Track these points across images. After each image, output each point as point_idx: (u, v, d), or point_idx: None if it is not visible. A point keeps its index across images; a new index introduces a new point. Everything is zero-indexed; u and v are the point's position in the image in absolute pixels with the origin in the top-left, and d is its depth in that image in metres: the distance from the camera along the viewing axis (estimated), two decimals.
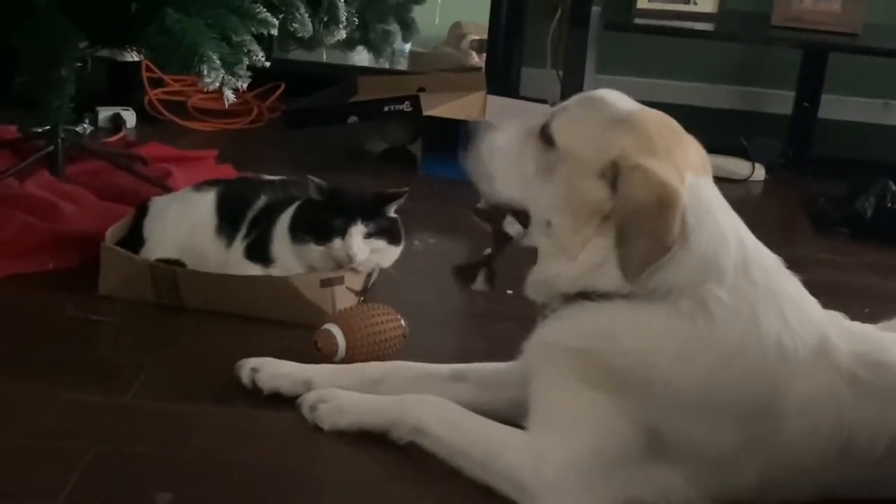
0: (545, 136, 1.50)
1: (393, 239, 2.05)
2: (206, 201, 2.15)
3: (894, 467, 1.51)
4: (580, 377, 1.45)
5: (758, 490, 1.49)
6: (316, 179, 2.03)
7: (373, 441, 1.59)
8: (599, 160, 1.44)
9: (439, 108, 3.12)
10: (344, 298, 2.01)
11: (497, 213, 1.55)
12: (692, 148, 1.53)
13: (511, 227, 1.53)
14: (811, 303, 1.54)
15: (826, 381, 1.48)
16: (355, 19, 2.52)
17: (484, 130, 1.55)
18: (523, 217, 1.54)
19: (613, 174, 1.43)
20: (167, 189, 2.43)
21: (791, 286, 1.53)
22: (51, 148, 2.55)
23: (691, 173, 1.48)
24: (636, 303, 1.44)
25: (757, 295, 1.46)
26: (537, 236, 1.52)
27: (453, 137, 3.02)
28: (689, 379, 1.43)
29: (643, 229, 1.41)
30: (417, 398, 1.60)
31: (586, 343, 1.46)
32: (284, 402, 1.69)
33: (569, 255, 1.47)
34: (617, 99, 1.52)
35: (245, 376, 1.72)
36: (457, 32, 4.22)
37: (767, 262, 1.52)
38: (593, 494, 1.45)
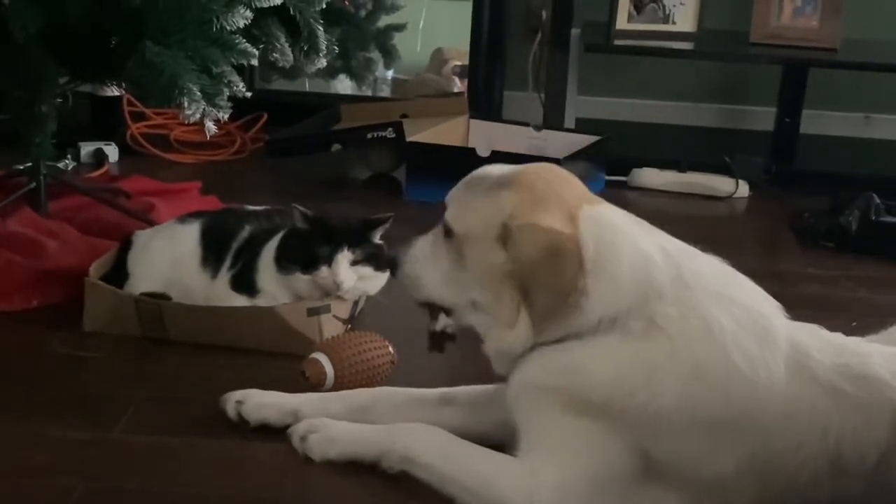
0: (446, 232, 1.57)
1: (379, 265, 2.04)
2: (191, 233, 2.14)
3: (886, 481, 1.50)
4: (564, 409, 1.46)
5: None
6: (300, 208, 2.02)
7: (364, 471, 1.58)
8: (492, 229, 1.50)
9: (423, 133, 3.13)
10: (331, 327, 2.01)
11: (432, 312, 1.66)
12: (581, 187, 1.58)
13: (441, 322, 1.66)
14: (758, 298, 1.54)
15: (803, 386, 1.47)
16: (336, 48, 2.52)
17: (403, 250, 1.64)
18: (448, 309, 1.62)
19: (506, 237, 1.48)
20: (151, 223, 2.42)
21: (733, 285, 1.54)
22: (33, 184, 2.54)
23: (588, 206, 1.52)
24: (590, 338, 1.46)
25: (701, 302, 1.47)
26: (469, 317, 1.58)
27: (437, 163, 3.03)
28: (666, 399, 1.43)
29: (539, 282, 1.46)
30: (407, 427, 1.59)
31: (559, 380, 1.47)
32: (273, 432, 1.68)
33: (508, 324, 1.51)
34: (497, 168, 1.58)
35: (230, 409, 1.71)
36: (438, 58, 4.23)
37: (703, 267, 1.53)
38: None
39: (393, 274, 1.67)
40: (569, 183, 1.56)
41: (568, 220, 1.48)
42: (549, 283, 1.45)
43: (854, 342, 1.59)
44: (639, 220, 1.56)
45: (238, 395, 1.73)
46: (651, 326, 1.45)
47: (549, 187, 1.52)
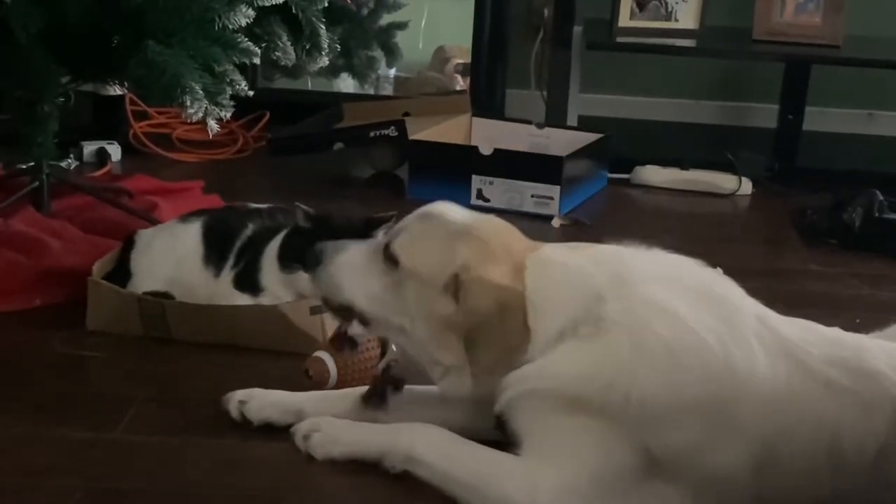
0: (389, 256, 1.56)
1: None
2: (193, 232, 2.14)
3: (886, 476, 1.50)
4: (554, 410, 1.46)
5: (752, 498, 1.48)
6: (303, 206, 2.02)
7: (366, 470, 1.58)
8: (443, 275, 1.51)
9: (425, 131, 3.12)
10: (334, 326, 2.00)
11: (343, 316, 1.62)
12: (523, 239, 1.60)
13: (356, 329, 1.62)
14: (707, 277, 1.55)
15: (791, 373, 1.47)
16: (338, 46, 2.52)
17: (332, 249, 1.62)
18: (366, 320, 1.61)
19: (456, 287, 1.49)
20: (154, 222, 2.42)
21: (675, 270, 1.55)
22: (36, 184, 2.54)
23: (530, 254, 1.55)
24: (550, 351, 1.48)
25: (643, 291, 1.48)
26: (390, 335, 1.61)
27: (440, 161, 3.03)
28: (646, 386, 1.42)
29: (489, 337, 1.49)
30: (409, 426, 1.59)
31: (536, 385, 1.47)
32: (277, 431, 1.68)
33: (450, 370, 1.53)
34: (453, 212, 1.59)
35: (233, 409, 1.71)
36: (441, 56, 4.23)
37: (639, 262, 1.54)
38: None
39: (309, 268, 1.64)
40: (515, 235, 1.59)
41: (516, 274, 1.51)
42: (496, 340, 1.49)
43: (853, 337, 1.59)
44: (575, 245, 1.59)
45: (241, 394, 1.73)
46: (600, 325, 1.46)
47: (500, 241, 1.55)
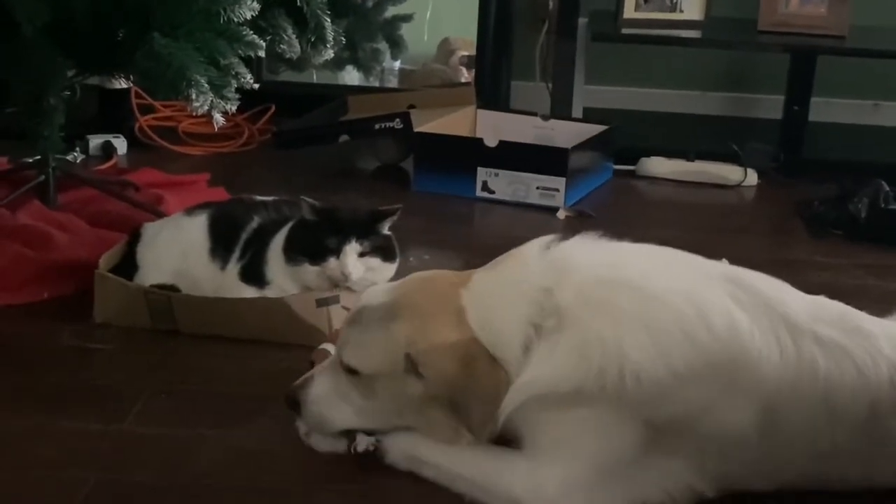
0: (348, 370, 1.55)
1: (387, 256, 2.04)
2: (199, 225, 2.14)
3: (880, 431, 1.52)
4: (553, 408, 1.46)
5: (755, 462, 1.49)
6: (309, 199, 2.03)
7: (372, 465, 1.58)
8: (398, 363, 1.50)
9: (430, 124, 3.12)
10: (340, 318, 2.01)
11: (348, 438, 1.59)
12: (449, 275, 1.59)
13: (363, 443, 1.58)
14: (652, 250, 1.57)
15: (776, 328, 1.48)
16: (343, 39, 2.52)
17: (300, 389, 1.59)
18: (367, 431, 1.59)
19: (415, 366, 1.49)
20: (160, 214, 2.43)
21: (615, 249, 1.56)
22: (42, 177, 2.55)
23: (463, 291, 1.53)
24: (528, 359, 1.46)
25: (589, 274, 1.48)
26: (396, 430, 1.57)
27: (445, 153, 3.03)
28: (635, 361, 1.41)
29: (468, 394, 1.47)
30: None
31: (538, 390, 1.45)
32: (283, 425, 1.68)
33: (450, 441, 1.52)
34: (376, 297, 1.57)
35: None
36: (446, 49, 4.23)
37: (574, 249, 1.54)
38: None
39: (296, 412, 1.60)
40: (440, 279, 1.58)
41: (460, 322, 1.49)
42: (475, 392, 1.47)
43: (837, 303, 1.61)
44: (497, 260, 1.58)
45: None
46: (562, 315, 1.46)
47: (429, 296, 1.54)
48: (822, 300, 1.61)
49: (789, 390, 1.47)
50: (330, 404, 1.57)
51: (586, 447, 1.46)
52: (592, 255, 1.53)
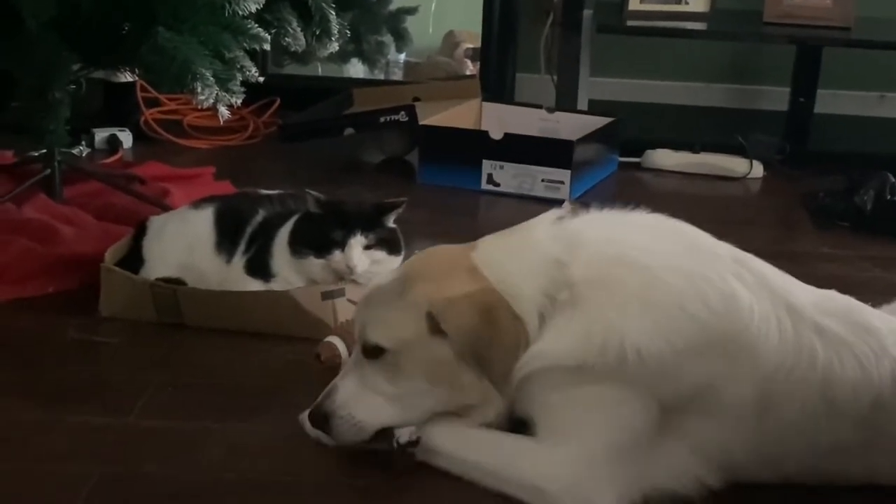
0: (371, 353, 1.53)
1: (393, 249, 2.04)
2: (205, 218, 2.15)
3: (883, 428, 1.52)
4: (561, 385, 1.47)
5: (756, 448, 1.50)
6: (314, 192, 2.03)
7: (380, 456, 1.58)
8: (421, 326, 1.49)
9: (435, 116, 3.12)
10: (346, 310, 2.01)
11: (385, 438, 1.55)
12: (454, 247, 1.60)
13: (405, 434, 1.54)
14: (666, 224, 1.58)
15: (776, 311, 1.49)
16: (348, 31, 2.52)
17: (326, 401, 1.55)
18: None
19: (436, 324, 1.48)
20: (166, 208, 2.43)
21: (628, 223, 1.57)
22: (48, 171, 2.55)
23: (473, 253, 1.55)
24: (542, 331, 1.48)
25: (600, 249, 1.50)
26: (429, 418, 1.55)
27: (450, 146, 3.03)
28: (637, 339, 1.43)
29: (491, 345, 1.47)
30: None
31: (543, 363, 1.47)
32: (290, 417, 1.68)
33: (480, 402, 1.52)
34: (384, 277, 1.59)
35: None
36: (450, 41, 4.22)
37: (589, 223, 1.56)
38: (611, 488, 1.45)
39: (326, 431, 1.55)
40: (445, 249, 1.59)
41: (472, 276, 1.51)
42: (497, 343, 1.48)
43: (844, 297, 1.61)
44: (509, 229, 1.60)
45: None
46: (573, 288, 1.47)
47: (438, 261, 1.56)
48: (831, 294, 1.61)
49: (786, 373, 1.48)
50: (359, 402, 1.54)
51: (598, 427, 1.46)
52: (602, 230, 1.55)
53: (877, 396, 1.50)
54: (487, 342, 1.48)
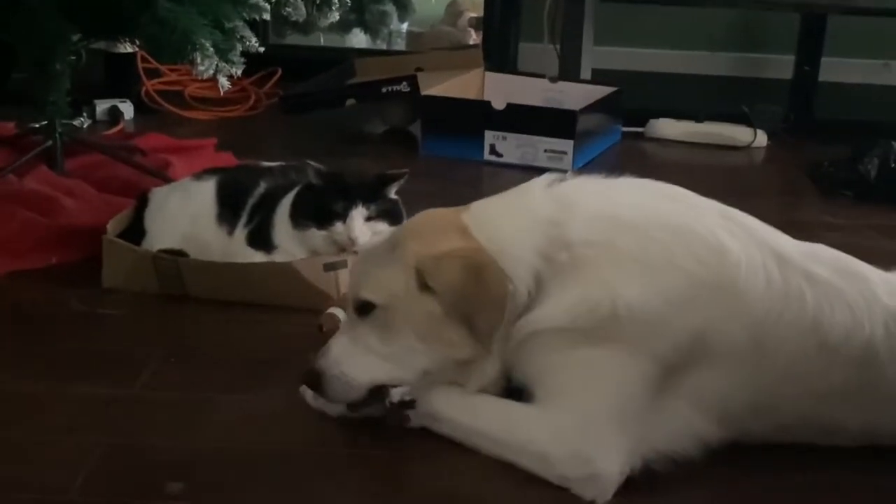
0: (362, 308, 1.54)
1: (395, 220, 2.03)
2: (207, 190, 2.14)
3: (875, 373, 1.53)
4: (558, 348, 1.48)
5: (751, 397, 1.51)
6: (314, 164, 2.02)
7: (385, 429, 1.58)
8: (411, 281, 1.49)
9: (438, 87, 3.11)
10: (348, 282, 2.01)
11: (378, 396, 1.55)
12: (449, 209, 1.60)
13: (396, 394, 1.55)
14: (654, 185, 1.60)
15: (766, 259, 1.51)
16: (349, 1, 2.51)
17: (321, 360, 1.55)
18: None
19: (423, 281, 1.49)
20: (167, 180, 2.43)
21: (620, 184, 1.59)
22: (49, 143, 2.54)
23: (464, 213, 1.56)
24: (542, 294, 1.49)
25: (594, 207, 1.52)
26: (421, 380, 1.54)
27: (453, 116, 3.02)
28: (631, 295, 1.44)
29: (478, 302, 1.48)
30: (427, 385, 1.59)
31: (539, 326, 1.48)
32: (292, 388, 1.68)
33: (469, 360, 1.52)
34: (376, 239, 1.62)
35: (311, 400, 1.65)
36: (454, 10, 4.21)
37: (582, 185, 1.58)
38: (614, 452, 1.45)
39: (320, 392, 1.56)
40: (437, 211, 1.59)
41: (464, 236, 1.51)
42: (484, 300, 1.47)
43: (833, 250, 1.62)
44: (504, 192, 1.60)
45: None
46: (571, 249, 1.48)
47: (430, 221, 1.57)
48: (819, 246, 1.62)
49: (776, 318, 1.49)
50: (350, 360, 1.54)
51: (598, 391, 1.47)
52: (595, 192, 1.56)
53: (868, 340, 1.52)
54: (472, 299, 1.48)
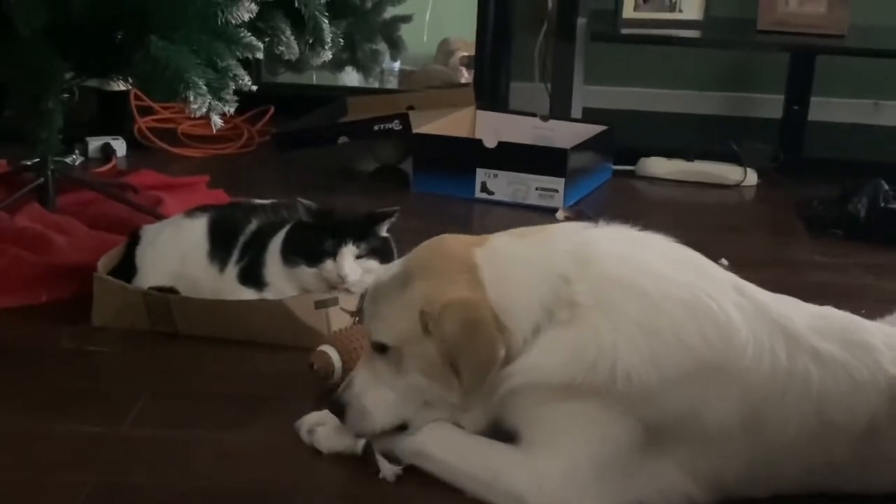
0: (378, 348, 1.55)
1: (385, 258, 2.04)
2: (198, 227, 2.14)
3: (881, 448, 1.52)
4: (547, 400, 1.47)
5: (747, 470, 1.50)
6: (304, 201, 2.02)
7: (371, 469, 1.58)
8: (417, 324, 1.49)
9: (429, 125, 3.12)
10: (339, 319, 2.01)
11: (385, 440, 1.58)
12: (463, 237, 1.58)
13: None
14: (671, 249, 1.57)
15: (773, 339, 1.49)
16: (341, 40, 2.52)
17: (347, 391, 1.57)
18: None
19: (426, 324, 1.49)
20: (159, 217, 2.43)
21: (638, 244, 1.56)
22: (41, 180, 2.54)
23: (478, 249, 1.53)
24: (534, 343, 1.47)
25: (608, 270, 1.49)
26: (431, 414, 1.56)
27: (444, 154, 3.03)
28: (629, 363, 1.43)
29: (465, 357, 1.47)
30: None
31: (523, 380, 1.47)
32: (283, 426, 1.68)
33: (462, 408, 1.53)
34: (388, 271, 1.59)
35: (304, 436, 1.65)
36: (445, 49, 4.22)
37: (599, 241, 1.54)
38: (595, 501, 1.45)
39: (342, 420, 1.58)
40: (450, 240, 1.58)
41: (472, 280, 1.49)
42: (470, 357, 1.47)
43: (843, 313, 1.61)
44: (524, 229, 1.59)
45: (311, 420, 1.67)
46: (574, 308, 1.47)
47: (441, 254, 1.54)
48: (828, 311, 1.61)
49: (778, 399, 1.48)
50: (371, 394, 1.55)
51: (583, 441, 1.46)
52: (615, 254, 1.53)
53: (873, 414, 1.51)
54: (462, 355, 1.47)
